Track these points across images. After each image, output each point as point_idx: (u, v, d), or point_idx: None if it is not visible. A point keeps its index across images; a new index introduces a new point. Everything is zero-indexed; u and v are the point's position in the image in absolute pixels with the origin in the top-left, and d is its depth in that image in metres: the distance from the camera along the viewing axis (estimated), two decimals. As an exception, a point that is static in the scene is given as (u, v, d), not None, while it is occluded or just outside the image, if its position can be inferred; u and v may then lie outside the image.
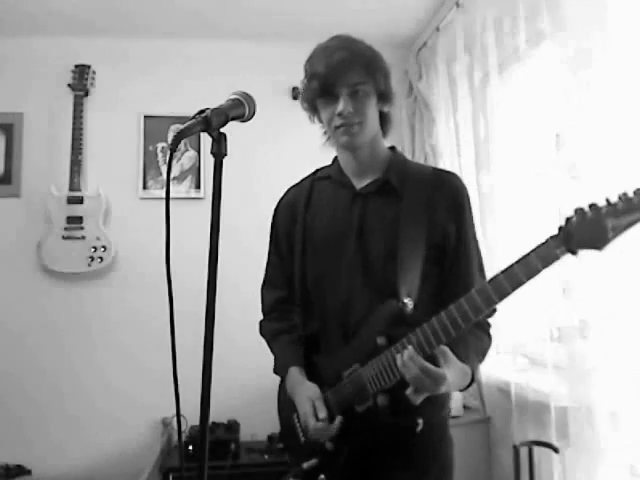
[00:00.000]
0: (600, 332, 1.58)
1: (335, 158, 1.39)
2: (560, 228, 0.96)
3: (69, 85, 2.98)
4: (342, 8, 2.82)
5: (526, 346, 2.17)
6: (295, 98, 3.04)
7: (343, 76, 1.20)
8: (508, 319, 2.28)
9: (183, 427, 2.66)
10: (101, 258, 2.88)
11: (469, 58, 2.48)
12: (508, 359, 2.21)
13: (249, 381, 2.81)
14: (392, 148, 1.37)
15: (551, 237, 0.97)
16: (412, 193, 1.26)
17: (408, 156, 3.03)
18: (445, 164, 2.72)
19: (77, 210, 2.88)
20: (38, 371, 2.87)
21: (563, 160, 1.72)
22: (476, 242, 1.33)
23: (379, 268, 1.24)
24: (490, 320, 1.30)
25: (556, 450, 1.74)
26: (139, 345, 2.92)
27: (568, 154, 1.70)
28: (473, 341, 1.23)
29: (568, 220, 0.96)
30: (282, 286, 1.42)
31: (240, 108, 0.97)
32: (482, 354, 1.26)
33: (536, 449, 1.84)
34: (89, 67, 3.01)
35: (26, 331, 2.89)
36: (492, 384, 2.39)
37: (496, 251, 2.35)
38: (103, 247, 2.88)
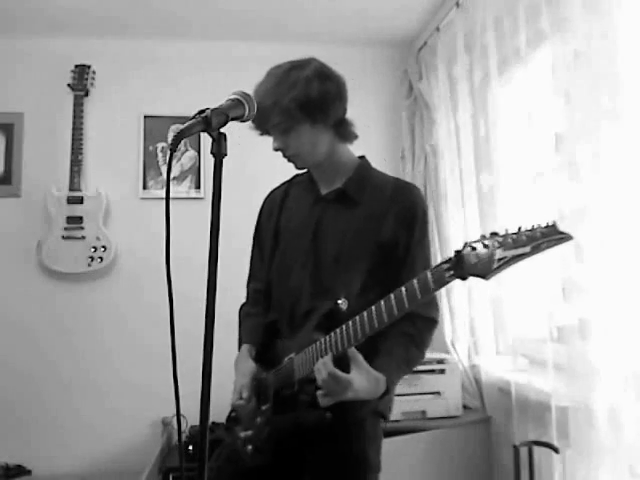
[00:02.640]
0: (600, 332, 1.58)
1: None
2: (455, 254, 0.99)
3: (69, 85, 2.98)
4: (342, 8, 2.82)
5: (526, 346, 2.17)
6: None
7: (261, 124, 1.33)
8: (508, 319, 2.29)
9: (183, 427, 2.66)
10: (101, 258, 2.88)
11: (469, 58, 2.48)
12: (508, 359, 2.21)
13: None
14: (361, 157, 1.46)
15: (445, 261, 1.01)
16: (369, 202, 1.36)
17: (408, 156, 3.05)
18: (445, 164, 2.72)
19: (77, 210, 2.88)
20: (38, 371, 2.87)
21: (563, 160, 1.72)
22: (425, 255, 1.37)
23: (325, 269, 1.35)
24: (426, 337, 1.36)
25: (556, 450, 1.74)
26: (139, 345, 2.92)
27: (568, 154, 1.70)
28: (398, 352, 1.29)
29: (461, 250, 0.98)
30: (260, 277, 1.54)
31: (240, 108, 0.97)
32: (407, 364, 1.32)
33: (536, 449, 1.84)
34: (89, 67, 3.01)
35: (26, 331, 2.89)
36: (492, 384, 2.39)
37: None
38: (103, 247, 2.89)
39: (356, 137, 1.43)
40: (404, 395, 2.23)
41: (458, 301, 2.62)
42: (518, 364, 2.12)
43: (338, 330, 1.20)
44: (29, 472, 2.75)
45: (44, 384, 2.87)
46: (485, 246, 0.94)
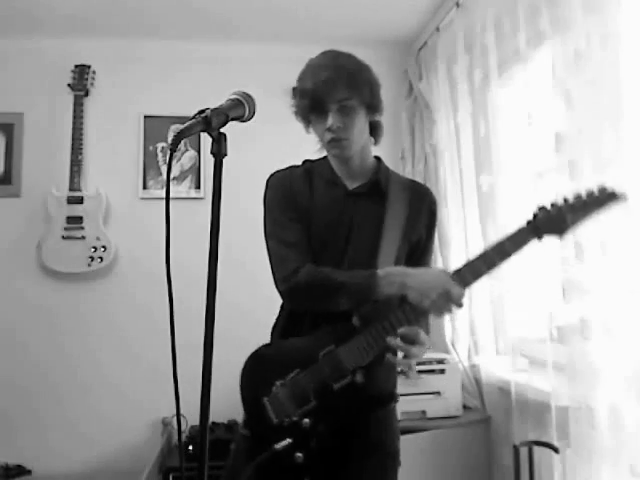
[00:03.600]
0: (601, 332, 1.58)
1: (326, 157, 1.48)
2: (529, 221, 1.21)
3: (69, 85, 2.98)
4: (342, 8, 2.82)
5: (526, 346, 2.17)
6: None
7: (329, 94, 1.31)
8: (508, 319, 2.29)
9: (183, 427, 2.66)
10: (101, 258, 2.88)
11: (469, 58, 2.48)
12: (508, 359, 2.21)
13: (249, 381, 2.81)
14: (378, 158, 1.50)
15: (522, 227, 1.21)
16: (395, 197, 1.42)
17: (408, 156, 3.06)
18: (445, 164, 2.72)
19: (77, 210, 2.88)
20: (38, 371, 2.87)
21: (563, 160, 1.72)
22: (432, 249, 1.55)
23: (362, 259, 1.36)
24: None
25: (556, 450, 1.74)
26: (139, 345, 2.92)
27: (568, 154, 1.70)
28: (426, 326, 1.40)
29: (535, 215, 1.21)
30: (307, 252, 1.39)
31: (240, 108, 0.97)
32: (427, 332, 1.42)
33: (536, 449, 1.84)
34: (89, 67, 3.01)
35: (26, 331, 2.89)
36: (492, 384, 2.39)
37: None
38: (103, 247, 2.89)
39: (378, 143, 1.48)
40: (404, 395, 2.22)
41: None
42: (518, 364, 2.11)
43: (400, 311, 1.26)
44: (29, 472, 2.75)
45: (45, 384, 2.87)
46: (557, 210, 1.19)
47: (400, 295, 1.27)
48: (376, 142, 1.46)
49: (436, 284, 1.21)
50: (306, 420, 1.30)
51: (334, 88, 1.30)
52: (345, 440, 1.33)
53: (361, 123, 1.36)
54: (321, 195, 1.43)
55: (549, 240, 1.21)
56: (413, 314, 1.25)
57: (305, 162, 1.51)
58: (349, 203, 1.41)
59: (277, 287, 1.39)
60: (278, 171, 1.50)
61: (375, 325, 1.27)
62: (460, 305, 1.21)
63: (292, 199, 1.42)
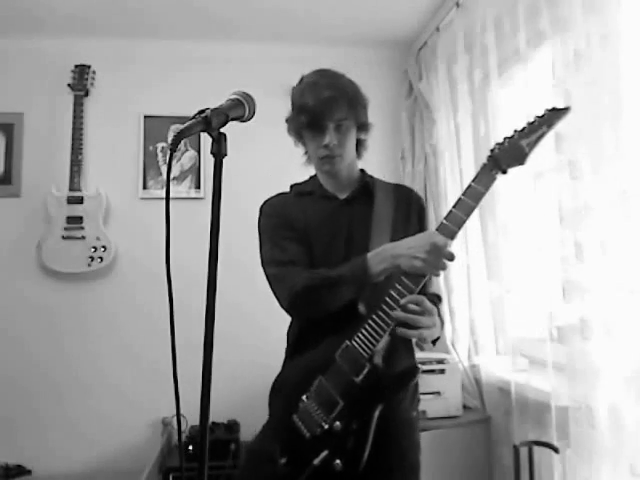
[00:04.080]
0: (601, 332, 1.58)
1: (313, 177, 1.56)
2: (488, 157, 1.23)
3: (69, 85, 2.98)
4: (342, 8, 2.82)
5: (526, 346, 2.17)
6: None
7: (330, 112, 1.37)
8: (508, 319, 2.29)
9: (183, 427, 2.66)
10: (101, 258, 2.88)
11: (469, 58, 2.48)
12: (508, 359, 2.21)
13: (249, 381, 2.81)
14: (362, 170, 1.58)
15: (483, 166, 1.23)
16: (382, 197, 1.49)
17: (408, 156, 3.06)
18: (445, 164, 2.72)
19: (77, 210, 2.88)
20: (38, 371, 2.87)
21: (563, 160, 1.72)
22: None
23: None
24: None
25: (556, 450, 1.74)
26: (139, 345, 2.92)
27: (568, 154, 1.70)
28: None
29: (492, 150, 1.23)
30: (305, 263, 1.43)
31: (240, 108, 0.97)
32: (441, 323, 1.43)
33: (536, 449, 1.84)
34: (89, 67, 3.01)
35: (26, 331, 2.89)
36: (492, 384, 2.39)
37: (496, 251, 2.35)
38: (103, 247, 2.89)
39: (360, 158, 1.56)
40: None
41: (458, 301, 2.62)
42: (518, 364, 2.12)
43: (398, 284, 1.26)
44: (29, 472, 2.75)
45: (45, 384, 2.87)
46: (510, 141, 1.21)
47: (395, 269, 1.28)
48: (359, 157, 1.54)
49: (422, 242, 1.23)
50: (337, 423, 1.29)
51: (335, 108, 1.37)
52: (375, 449, 1.31)
53: (353, 141, 1.46)
54: (315, 211, 1.49)
55: (514, 171, 1.22)
56: (411, 281, 1.26)
57: (293, 186, 1.58)
58: (344, 211, 1.48)
59: (282, 306, 1.41)
60: (270, 198, 1.56)
61: (379, 305, 1.28)
62: (451, 257, 1.22)
63: (287, 221, 1.47)
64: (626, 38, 1.54)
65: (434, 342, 1.39)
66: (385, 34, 3.12)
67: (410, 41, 3.17)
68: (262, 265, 1.46)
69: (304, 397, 1.33)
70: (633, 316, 1.50)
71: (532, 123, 1.19)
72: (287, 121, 1.48)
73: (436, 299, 1.51)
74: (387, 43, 3.21)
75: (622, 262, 1.52)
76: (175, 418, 2.70)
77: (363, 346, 1.29)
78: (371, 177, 1.57)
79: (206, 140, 3.01)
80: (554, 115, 1.18)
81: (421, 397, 2.27)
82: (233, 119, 0.95)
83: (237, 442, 2.66)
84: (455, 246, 2.61)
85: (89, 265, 2.87)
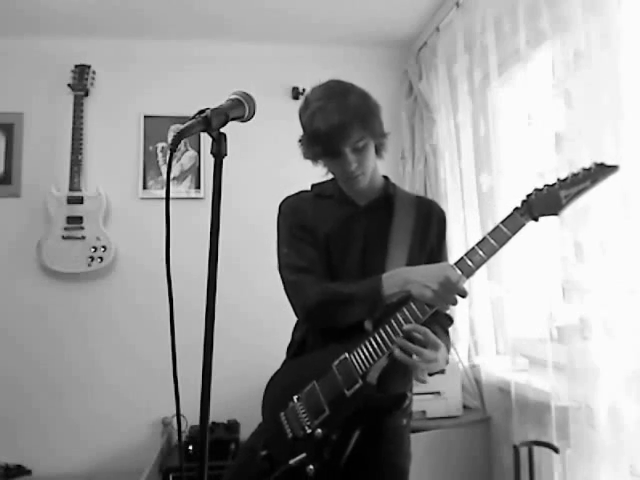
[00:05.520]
0: (600, 332, 1.58)
1: (333, 178, 1.50)
2: (522, 201, 1.20)
3: (69, 85, 2.98)
4: (342, 8, 2.82)
5: (526, 346, 2.17)
6: (295, 98, 3.04)
7: (344, 138, 1.31)
8: (508, 319, 2.29)
9: (183, 427, 2.66)
10: (101, 258, 2.88)
11: (469, 58, 2.48)
12: (508, 359, 2.21)
13: (249, 381, 2.80)
14: (385, 177, 1.54)
15: (515, 208, 1.21)
16: (403, 208, 1.47)
17: (408, 156, 3.06)
18: (445, 164, 2.72)
19: (77, 210, 2.88)
20: (38, 371, 2.87)
21: (563, 160, 1.72)
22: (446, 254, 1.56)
23: (379, 271, 1.34)
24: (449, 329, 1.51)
25: (556, 450, 1.74)
26: (139, 345, 2.92)
27: (568, 154, 1.70)
28: (443, 338, 1.36)
29: (529, 195, 1.19)
30: (321, 273, 1.42)
31: (240, 108, 0.97)
32: (449, 350, 1.43)
33: (536, 449, 1.84)
34: (89, 67, 3.01)
35: (26, 331, 2.89)
36: (492, 384, 2.39)
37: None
38: (103, 247, 2.89)
39: (380, 158, 1.49)
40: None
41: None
42: (518, 364, 2.12)
43: (405, 308, 1.25)
44: (29, 472, 2.75)
45: (45, 383, 2.87)
46: (549, 190, 1.16)
47: (406, 293, 1.26)
48: (379, 157, 1.48)
49: (436, 274, 1.21)
50: (319, 431, 1.30)
51: (349, 132, 1.30)
52: (357, 454, 1.32)
53: (372, 153, 1.41)
54: (333, 214, 1.46)
55: (546, 220, 1.18)
56: (418, 309, 1.24)
57: (313, 186, 1.54)
58: (362, 218, 1.45)
59: (297, 315, 1.43)
60: (288, 197, 1.53)
61: (383, 325, 1.28)
62: (463, 293, 1.20)
63: (304, 222, 1.46)
64: (626, 38, 1.54)
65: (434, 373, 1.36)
66: (385, 34, 3.12)
67: (410, 41, 3.16)
68: (278, 267, 1.46)
69: (295, 398, 1.35)
70: (633, 316, 1.50)
71: (576, 175, 1.13)
72: (300, 145, 1.41)
73: (446, 321, 1.50)
74: (387, 43, 3.21)
75: (622, 262, 1.52)
76: (175, 418, 2.70)
77: (360, 362, 1.29)
78: (394, 186, 1.53)
79: (206, 140, 3.01)
80: (600, 171, 1.12)
81: (421, 397, 2.29)
82: (233, 119, 0.95)
83: (237, 442, 2.66)
84: (455, 246, 2.63)
85: (89, 265, 2.87)
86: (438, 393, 2.33)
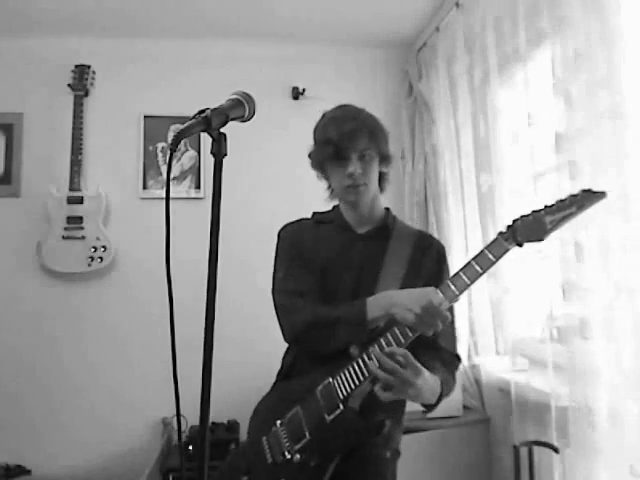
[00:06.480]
0: (600, 332, 1.58)
1: (336, 207, 1.54)
2: (507, 226, 1.18)
3: (69, 85, 2.98)
4: (342, 8, 2.82)
5: (526, 346, 2.17)
6: (295, 98, 3.04)
7: (353, 143, 1.38)
8: (508, 319, 2.29)
9: (183, 427, 2.66)
10: (101, 258, 2.88)
11: (469, 58, 2.48)
12: (508, 359, 2.21)
13: (249, 381, 2.80)
14: (387, 208, 1.56)
15: (499, 233, 1.19)
16: (399, 237, 1.48)
17: (408, 156, 3.06)
18: (445, 164, 2.72)
19: (77, 210, 2.88)
20: (38, 371, 2.87)
21: (563, 160, 1.72)
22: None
23: (369, 296, 1.34)
24: (454, 370, 1.47)
25: (556, 450, 1.74)
26: (139, 345, 2.92)
27: (568, 154, 1.70)
28: (440, 371, 1.35)
29: (515, 220, 1.17)
30: (314, 296, 1.44)
31: (240, 108, 0.97)
32: (448, 388, 1.38)
33: (536, 449, 1.84)
34: (89, 67, 3.01)
35: (26, 331, 2.89)
36: (492, 384, 2.39)
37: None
38: (103, 247, 2.89)
39: (383, 192, 1.53)
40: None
41: (458, 301, 2.62)
42: (518, 364, 2.12)
43: (389, 333, 1.25)
44: (29, 472, 2.75)
45: (46, 383, 2.87)
46: (534, 215, 1.15)
47: (390, 317, 1.26)
48: (382, 191, 1.53)
49: (419, 298, 1.21)
50: (297, 456, 1.31)
51: (358, 138, 1.38)
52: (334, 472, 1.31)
53: (376, 172, 1.45)
54: (331, 241, 1.48)
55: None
56: (401, 333, 1.24)
57: (314, 214, 1.57)
58: (358, 245, 1.47)
59: (284, 337, 1.43)
60: (288, 224, 1.56)
61: (366, 351, 1.27)
62: (444, 319, 1.20)
63: (301, 248, 1.48)
64: (626, 38, 1.54)
65: (428, 408, 1.35)
66: (385, 34, 3.12)
67: (410, 41, 3.17)
68: (272, 290, 1.48)
69: (278, 422, 1.36)
70: (633, 316, 1.50)
71: (563, 201, 1.12)
72: (310, 156, 1.47)
73: (452, 359, 1.47)
74: (387, 43, 3.21)
75: (622, 262, 1.52)
76: (175, 418, 2.70)
77: (342, 387, 1.29)
78: (394, 217, 1.55)
79: (206, 140, 3.01)
80: (587, 197, 1.10)
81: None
82: (233, 119, 0.95)
83: (237, 442, 2.66)
84: (455, 245, 2.62)
85: (89, 265, 2.87)
86: (438, 393, 2.33)
